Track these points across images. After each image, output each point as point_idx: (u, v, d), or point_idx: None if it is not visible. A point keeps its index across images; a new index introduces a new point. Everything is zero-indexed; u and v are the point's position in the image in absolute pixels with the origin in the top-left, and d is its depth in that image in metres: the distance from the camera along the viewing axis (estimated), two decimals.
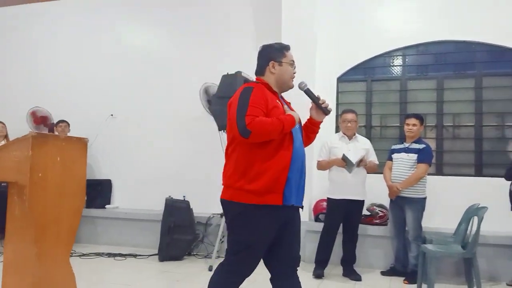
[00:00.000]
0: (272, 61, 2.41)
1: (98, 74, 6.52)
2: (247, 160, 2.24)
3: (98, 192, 6.11)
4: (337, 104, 5.59)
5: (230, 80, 5.00)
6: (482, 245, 4.05)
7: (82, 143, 2.86)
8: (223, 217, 4.92)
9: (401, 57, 5.59)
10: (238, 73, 4.99)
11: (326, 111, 2.45)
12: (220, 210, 4.93)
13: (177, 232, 4.98)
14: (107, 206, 6.10)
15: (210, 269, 4.50)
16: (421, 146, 4.41)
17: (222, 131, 5.14)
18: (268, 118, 2.21)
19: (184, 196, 5.28)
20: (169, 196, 5.21)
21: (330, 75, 5.59)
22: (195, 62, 6.04)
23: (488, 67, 5.22)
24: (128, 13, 6.55)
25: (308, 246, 4.86)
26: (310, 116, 2.52)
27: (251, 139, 2.18)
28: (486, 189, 4.65)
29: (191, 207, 5.21)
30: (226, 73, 5.05)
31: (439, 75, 5.39)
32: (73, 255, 5.00)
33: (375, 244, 4.80)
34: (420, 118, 4.51)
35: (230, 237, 2.36)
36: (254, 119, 2.16)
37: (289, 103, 2.53)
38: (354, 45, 5.57)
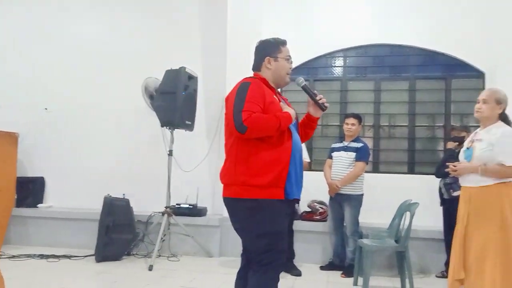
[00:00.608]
0: (268, 57, 2.40)
1: (31, 65, 6.13)
2: (248, 155, 2.23)
3: (30, 191, 5.77)
4: None
5: (174, 75, 4.92)
6: (414, 239, 4.27)
7: (11, 138, 2.68)
8: (165, 215, 4.84)
9: (342, 58, 5.76)
10: (182, 69, 4.93)
11: (323, 107, 2.47)
12: (161, 208, 4.93)
13: (115, 232, 4.81)
14: (39, 205, 5.77)
15: (150, 268, 4.39)
16: (359, 145, 4.57)
17: (165, 127, 5.05)
18: (265, 114, 2.21)
19: (123, 194, 5.11)
20: (108, 194, 5.02)
21: None
22: (137, 56, 5.88)
23: (420, 71, 5.52)
24: (64, 4, 6.22)
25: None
26: (307, 112, 2.53)
27: (247, 134, 2.16)
28: (418, 186, 4.91)
29: (131, 206, 5.05)
30: (169, 68, 4.96)
31: (376, 77, 5.62)
32: (2, 257, 4.73)
33: (315, 240, 4.92)
34: (358, 118, 4.68)
35: (251, 236, 2.27)
36: (251, 115, 2.15)
37: (286, 99, 2.53)
38: (298, 46, 5.62)
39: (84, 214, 5.36)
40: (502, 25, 4.89)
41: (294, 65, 5.55)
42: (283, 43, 2.47)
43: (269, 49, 2.43)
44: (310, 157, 5.18)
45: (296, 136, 2.37)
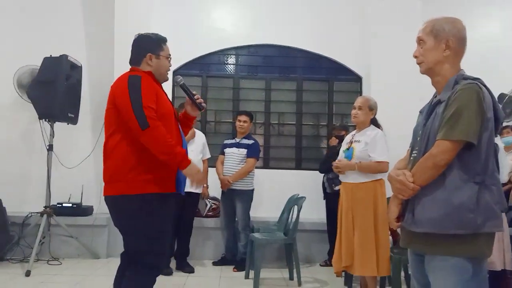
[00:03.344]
0: (150, 53, 2.36)
1: None
2: (139, 151, 2.18)
3: None
4: (173, 98, 5.56)
5: (54, 64, 4.54)
6: (301, 231, 4.51)
7: None
8: (44, 216, 4.44)
9: (234, 56, 5.86)
10: (64, 56, 4.57)
11: (200, 107, 2.50)
12: (40, 208, 4.51)
13: None
14: None
15: (27, 274, 3.99)
16: (250, 141, 4.71)
17: (43, 119, 4.63)
18: (167, 135, 2.16)
19: None
20: None
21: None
22: (11, 41, 5.27)
23: (307, 72, 5.87)
24: None
25: None
26: (184, 111, 2.56)
27: (145, 135, 2.12)
28: (304, 181, 5.21)
29: (3, 206, 4.54)
30: (49, 56, 4.56)
31: (267, 76, 5.82)
32: None
33: (207, 236, 4.94)
34: (250, 115, 4.81)
35: (132, 235, 2.24)
36: (155, 117, 2.14)
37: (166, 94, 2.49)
38: (190, 41, 5.60)
39: None
40: (378, 34, 5.39)
41: (186, 60, 5.65)
42: (164, 40, 2.46)
43: (151, 45, 2.40)
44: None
45: (183, 133, 2.43)
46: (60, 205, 4.82)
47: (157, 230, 2.23)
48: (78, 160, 4.95)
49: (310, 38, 5.71)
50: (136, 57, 2.40)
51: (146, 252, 2.21)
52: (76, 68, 4.77)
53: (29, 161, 5.17)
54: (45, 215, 4.46)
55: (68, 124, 4.74)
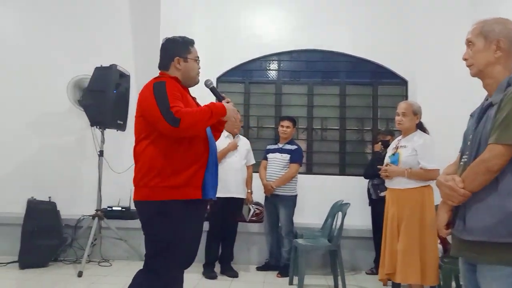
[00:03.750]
0: (177, 57, 2.34)
1: None
2: (163, 157, 2.17)
3: None
4: None
5: (104, 73, 4.73)
6: (345, 238, 4.45)
7: None
8: (95, 219, 4.63)
9: (276, 62, 5.89)
10: (113, 66, 4.75)
11: None
12: (91, 211, 4.71)
13: (40, 237, 4.51)
14: None
15: (79, 275, 4.18)
16: (293, 147, 4.70)
17: (95, 126, 4.84)
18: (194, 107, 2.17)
19: (49, 197, 4.82)
20: (32, 197, 4.71)
21: (209, 74, 5.61)
22: (64, 53, 5.55)
23: (350, 76, 5.79)
24: None
25: None
26: None
27: (182, 129, 2.10)
28: (349, 187, 5.13)
29: (57, 209, 4.78)
30: (99, 66, 4.76)
31: (309, 81, 5.81)
32: None
33: (251, 241, 4.97)
34: (293, 120, 4.81)
35: (150, 241, 2.23)
36: (180, 109, 2.11)
37: (195, 98, 2.48)
38: (233, 48, 5.70)
39: (5, 219, 4.96)
40: (423, 36, 5.25)
41: (229, 67, 5.74)
42: (191, 43, 2.42)
43: (178, 49, 2.37)
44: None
45: (211, 137, 2.36)
46: (110, 209, 5.02)
47: (173, 237, 2.18)
48: (127, 165, 5.10)
49: (352, 41, 5.66)
50: (165, 61, 2.39)
51: (154, 256, 2.21)
52: (124, 77, 4.95)
53: (81, 166, 5.40)
54: (96, 218, 4.65)
55: (117, 130, 4.91)
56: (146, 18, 5.62)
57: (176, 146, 2.19)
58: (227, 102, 2.39)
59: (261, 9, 5.85)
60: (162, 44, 2.42)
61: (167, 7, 5.31)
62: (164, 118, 2.10)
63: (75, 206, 5.00)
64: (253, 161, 4.78)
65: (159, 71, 2.41)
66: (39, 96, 5.47)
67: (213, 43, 5.58)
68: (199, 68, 2.43)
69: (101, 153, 4.83)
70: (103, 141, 4.86)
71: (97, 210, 4.72)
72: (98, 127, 4.83)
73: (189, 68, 2.37)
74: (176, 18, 5.26)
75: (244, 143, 4.71)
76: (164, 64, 2.39)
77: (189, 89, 2.47)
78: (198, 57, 2.42)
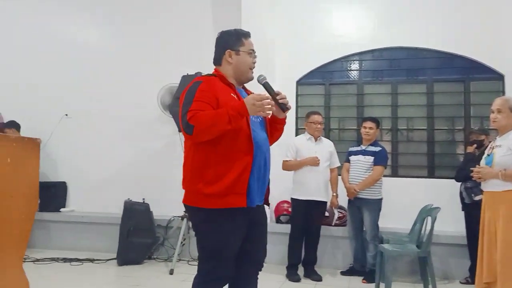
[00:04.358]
0: (229, 50, 2.21)
1: (51, 73, 6.22)
2: (204, 160, 2.07)
3: (52, 195, 5.86)
4: (297, 107, 5.68)
5: (189, 81, 4.95)
6: (436, 244, 4.23)
7: (34, 143, 2.70)
8: (184, 220, 4.88)
9: (357, 61, 5.76)
10: (198, 74, 4.96)
11: (284, 108, 2.21)
12: (180, 212, 4.97)
13: (136, 236, 4.88)
14: (62, 209, 5.86)
15: (171, 272, 4.44)
16: (377, 149, 4.55)
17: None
18: (212, 110, 2.03)
19: (143, 199, 5.18)
20: (128, 199, 5.10)
21: (289, 77, 5.67)
22: (154, 62, 5.92)
23: (438, 73, 5.48)
24: (80, 12, 6.26)
25: (269, 248, 4.89)
26: (271, 114, 2.28)
27: (196, 135, 1.99)
28: (438, 190, 4.87)
29: (150, 210, 5.12)
30: (186, 74, 5.01)
31: (393, 80, 5.60)
32: (26, 260, 4.77)
33: (335, 245, 4.90)
34: (376, 121, 4.66)
35: (198, 244, 2.21)
36: (196, 113, 1.98)
37: (252, 93, 2.28)
38: (312, 50, 5.68)
39: (105, 219, 5.44)
40: None
41: (310, 69, 5.72)
42: (245, 35, 2.26)
43: (230, 41, 2.22)
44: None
45: (259, 137, 2.17)
46: None
47: (217, 243, 2.12)
48: None
49: (439, 36, 5.36)
50: (217, 55, 2.25)
51: (200, 259, 2.19)
52: None
53: (171, 169, 5.71)
54: (185, 219, 4.89)
55: None
56: (227, 23, 5.75)
57: (215, 148, 2.06)
58: (280, 99, 2.18)
59: (340, 9, 5.76)
60: (216, 38, 2.28)
61: (248, 15, 5.45)
62: (182, 123, 2.03)
63: (166, 207, 5.27)
64: (337, 164, 4.71)
65: (214, 67, 2.30)
66: (132, 106, 5.89)
67: (292, 46, 5.62)
68: (254, 62, 2.25)
69: None
70: None
71: (185, 211, 4.96)
72: None
73: (241, 61, 2.21)
74: (257, 25, 5.37)
75: (327, 145, 4.67)
76: (216, 58, 2.26)
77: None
78: (253, 50, 2.25)
